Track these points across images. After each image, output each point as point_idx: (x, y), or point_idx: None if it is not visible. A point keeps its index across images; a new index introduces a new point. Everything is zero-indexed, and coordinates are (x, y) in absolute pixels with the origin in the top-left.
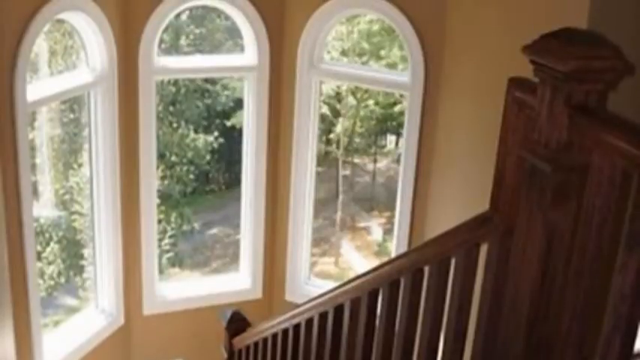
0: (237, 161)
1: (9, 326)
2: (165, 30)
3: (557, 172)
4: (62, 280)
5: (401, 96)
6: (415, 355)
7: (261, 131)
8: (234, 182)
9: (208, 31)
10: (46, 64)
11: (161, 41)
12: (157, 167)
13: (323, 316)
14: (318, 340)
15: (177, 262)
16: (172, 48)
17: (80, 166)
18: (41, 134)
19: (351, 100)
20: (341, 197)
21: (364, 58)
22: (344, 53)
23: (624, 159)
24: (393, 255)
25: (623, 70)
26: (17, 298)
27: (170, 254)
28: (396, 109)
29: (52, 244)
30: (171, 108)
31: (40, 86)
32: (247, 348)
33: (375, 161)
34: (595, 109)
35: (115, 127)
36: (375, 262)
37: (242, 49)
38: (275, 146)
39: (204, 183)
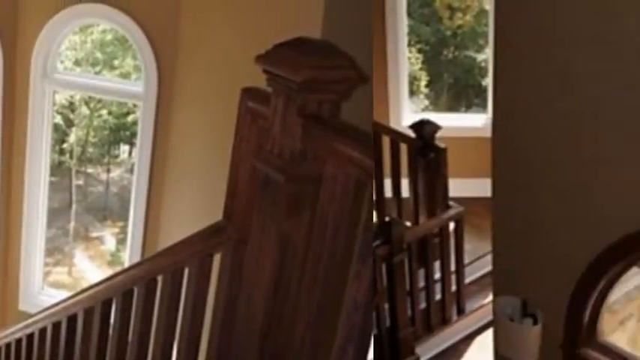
0: None
1: None
2: None
3: (290, 183)
4: None
5: (134, 106)
6: None
7: None
8: None
9: None
10: None
11: None
12: None
13: (56, 326)
14: (51, 350)
15: None
16: None
17: None
18: None
19: (84, 110)
20: (74, 207)
21: (97, 68)
22: (77, 63)
23: (358, 168)
24: (127, 265)
25: (356, 80)
26: None
27: None
28: (130, 118)
29: None
30: None
31: None
32: None
33: (108, 171)
34: (328, 119)
35: None
36: (108, 272)
37: None
38: (8, 156)
39: None
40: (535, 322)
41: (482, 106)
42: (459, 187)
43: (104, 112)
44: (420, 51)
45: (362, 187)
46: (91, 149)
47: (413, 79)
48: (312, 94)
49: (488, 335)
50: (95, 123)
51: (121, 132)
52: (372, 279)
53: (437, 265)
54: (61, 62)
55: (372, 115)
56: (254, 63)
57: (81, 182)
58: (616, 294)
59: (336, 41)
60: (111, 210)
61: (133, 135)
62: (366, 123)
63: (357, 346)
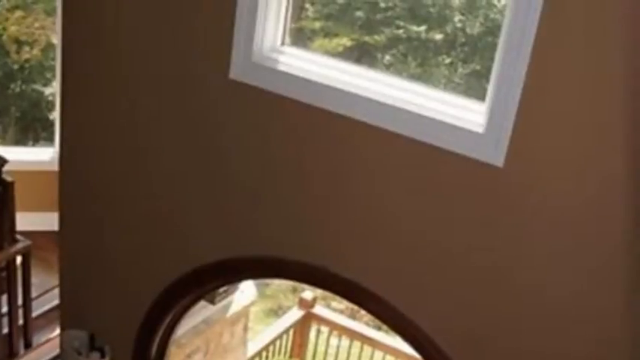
0: None
1: None
2: None
3: None
4: None
5: None
6: None
7: None
8: None
9: None
10: None
11: None
12: None
13: None
14: None
15: None
16: None
17: None
18: None
19: None
20: None
21: None
22: None
23: None
24: None
25: None
26: None
27: None
28: None
29: None
30: None
31: None
32: None
33: None
34: None
35: None
36: None
37: None
38: None
39: None
40: (102, 356)
41: (50, 140)
42: (26, 220)
43: None
44: None
45: None
46: None
47: None
48: None
49: None
50: None
51: None
52: None
53: (4, 298)
54: None
55: None
56: None
57: None
58: (183, 327)
59: None
60: None
61: None
62: None
63: None
